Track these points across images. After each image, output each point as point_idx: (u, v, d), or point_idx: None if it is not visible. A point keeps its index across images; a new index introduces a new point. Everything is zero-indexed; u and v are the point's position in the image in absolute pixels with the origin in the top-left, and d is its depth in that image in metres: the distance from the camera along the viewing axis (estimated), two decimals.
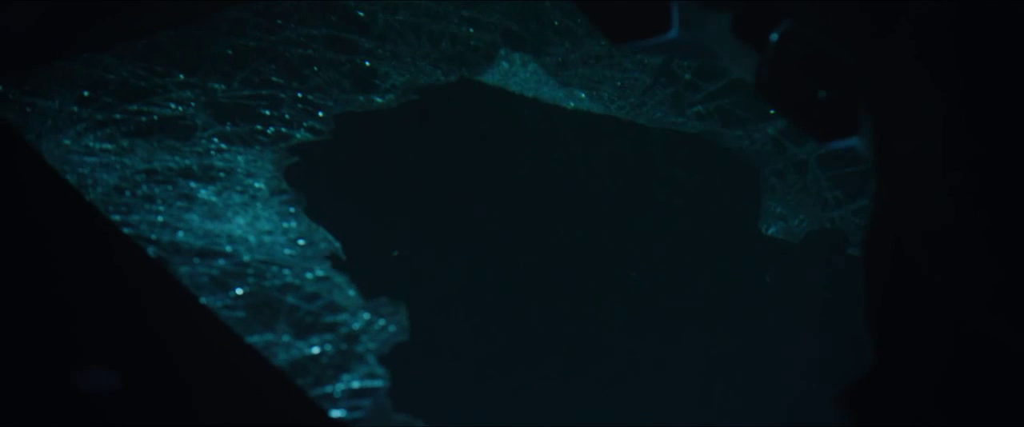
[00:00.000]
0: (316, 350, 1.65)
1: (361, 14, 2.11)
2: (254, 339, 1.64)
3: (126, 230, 1.76)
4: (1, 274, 1.62)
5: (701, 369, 1.71)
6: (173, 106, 1.96)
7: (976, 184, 1.25)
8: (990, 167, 1.25)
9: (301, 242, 1.80)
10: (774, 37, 1.47)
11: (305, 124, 1.97)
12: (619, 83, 2.06)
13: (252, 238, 1.80)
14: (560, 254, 1.85)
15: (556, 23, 2.13)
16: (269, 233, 1.81)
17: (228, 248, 1.78)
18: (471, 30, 2.10)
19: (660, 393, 1.66)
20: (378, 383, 1.62)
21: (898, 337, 1.34)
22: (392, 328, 1.69)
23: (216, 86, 1.99)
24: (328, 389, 1.61)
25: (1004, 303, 1.23)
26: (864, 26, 1.34)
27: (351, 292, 1.73)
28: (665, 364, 1.71)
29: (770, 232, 1.90)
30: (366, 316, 1.70)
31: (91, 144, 1.88)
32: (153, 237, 1.77)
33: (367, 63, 2.06)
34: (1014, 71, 1.24)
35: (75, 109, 1.91)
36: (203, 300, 1.68)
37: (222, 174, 1.88)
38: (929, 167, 1.25)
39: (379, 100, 2.03)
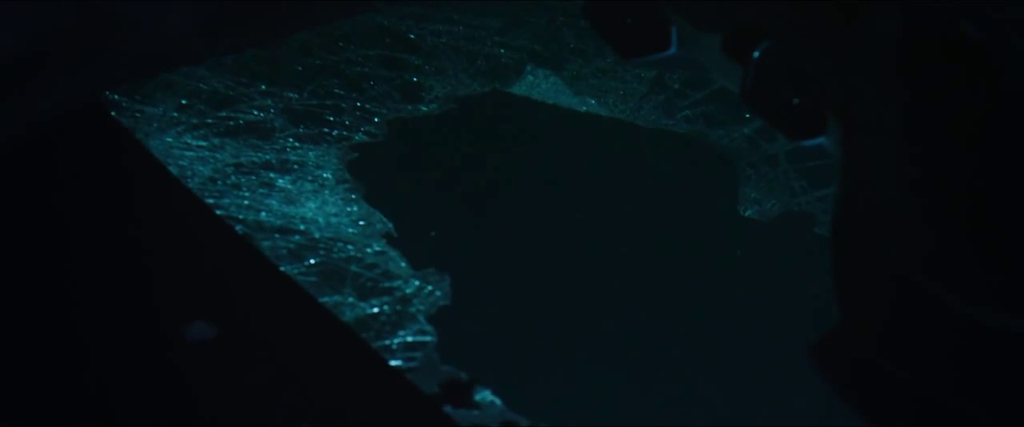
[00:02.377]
0: (375, 310, 1.66)
1: (412, 36, 2.12)
2: (325, 299, 1.65)
3: (219, 212, 1.78)
4: (117, 247, 1.64)
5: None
6: (255, 112, 1.97)
7: (918, 174, 1.28)
8: (927, 162, 1.28)
9: (361, 223, 1.81)
10: (756, 55, 1.49)
11: (363, 128, 1.98)
12: (621, 92, 2.06)
13: (321, 219, 1.81)
14: (574, 230, 1.85)
15: (571, 45, 2.13)
16: (335, 215, 1.82)
17: (302, 227, 1.78)
18: (502, 50, 2.11)
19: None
20: (428, 338, 1.63)
21: (856, 298, 1.36)
22: (438, 293, 1.70)
23: (290, 95, 2.00)
24: (387, 342, 1.61)
25: (939, 268, 1.26)
26: (833, 45, 1.36)
27: (403, 264, 1.74)
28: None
29: (747, 214, 1.90)
30: (416, 283, 1.71)
31: (189, 142, 1.89)
32: (240, 217, 1.78)
33: (414, 78, 2.06)
34: (947, 84, 1.26)
35: (175, 114, 1.93)
36: (283, 268, 1.69)
37: (296, 167, 1.89)
38: (884, 160, 1.28)
39: (424, 109, 2.03)
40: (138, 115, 1.91)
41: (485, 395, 1.56)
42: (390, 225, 1.81)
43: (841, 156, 1.33)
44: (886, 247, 1.26)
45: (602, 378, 1.62)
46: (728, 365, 1.65)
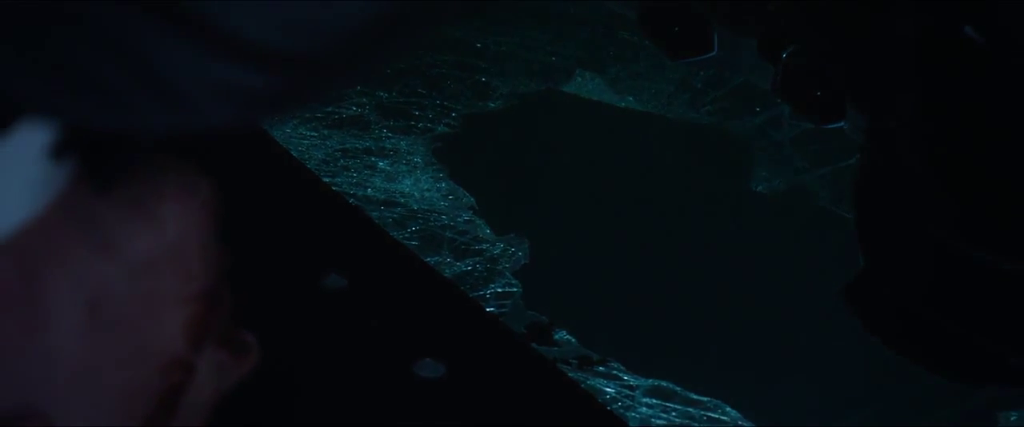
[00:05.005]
0: (469, 267, 1.70)
1: (479, 45, 2.14)
2: (429, 259, 1.69)
3: (334, 188, 1.81)
4: (255, 214, 1.66)
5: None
6: (354, 108, 2.00)
7: (932, 150, 1.31)
8: (941, 141, 1.31)
9: (450, 197, 1.84)
10: (784, 56, 1.52)
11: (443, 121, 2.01)
12: (654, 91, 2.09)
13: (417, 194, 1.84)
14: (622, 201, 1.88)
15: (611, 53, 2.16)
16: (427, 191, 1.86)
17: (401, 200, 1.82)
18: (553, 58, 2.13)
19: None
20: (514, 290, 1.66)
21: (880, 248, 1.38)
22: (520, 254, 1.74)
23: (382, 94, 2.03)
24: (481, 292, 1.65)
25: (945, 220, 1.29)
26: (855, 45, 1.39)
27: (487, 230, 1.78)
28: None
29: (758, 189, 1.94)
30: (501, 246, 1.74)
31: (304, 132, 1.93)
32: (351, 192, 1.82)
33: (483, 79, 2.09)
34: (954, 80, 1.29)
35: None
36: (393, 233, 1.73)
37: (391, 152, 1.93)
38: (904, 138, 1.31)
39: (492, 105, 2.06)
40: None
41: (562, 334, 1.59)
42: (472, 199, 1.84)
43: (864, 135, 1.37)
44: (910, 208, 1.28)
45: (658, 321, 1.65)
46: (753, 305, 1.69)
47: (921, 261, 1.32)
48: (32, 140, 0.72)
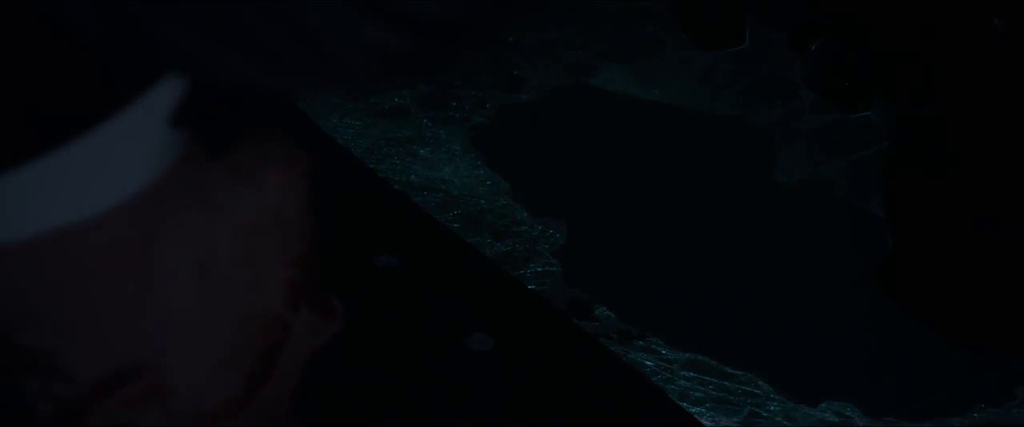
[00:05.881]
0: (509, 248, 1.70)
1: (511, 40, 2.14)
2: (471, 240, 1.70)
3: (379, 174, 1.82)
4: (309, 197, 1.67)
5: None
6: (396, 99, 2.00)
7: (966, 135, 1.31)
8: (973, 129, 1.31)
9: (488, 183, 1.84)
10: (813, 48, 1.53)
11: (479, 112, 2.01)
12: (677, 84, 2.08)
13: (456, 180, 1.84)
14: (651, 184, 1.88)
15: (637, 48, 2.15)
16: (466, 177, 1.85)
17: (442, 186, 1.83)
18: (581, 52, 2.14)
19: None
20: (554, 269, 1.67)
21: (911, 229, 1.40)
22: (557, 235, 1.74)
23: (424, 87, 2.03)
24: (522, 271, 1.66)
25: (983, 203, 1.30)
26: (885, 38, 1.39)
27: (525, 214, 1.78)
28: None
29: (781, 179, 1.93)
30: (539, 227, 1.75)
31: (350, 122, 1.93)
32: (395, 178, 1.82)
33: (516, 72, 2.09)
34: (984, 81, 1.30)
35: (336, 101, 1.96)
36: (435, 216, 1.74)
37: (431, 141, 1.93)
38: (940, 124, 1.32)
39: (524, 96, 2.06)
40: (309, 101, 1.94)
41: (602, 310, 1.60)
42: (508, 184, 1.84)
43: (902, 118, 1.37)
44: (940, 193, 1.29)
45: (692, 297, 1.65)
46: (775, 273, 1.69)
47: (954, 241, 1.33)
48: (158, 106, 0.73)
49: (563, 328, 1.54)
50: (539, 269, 1.66)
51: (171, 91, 0.70)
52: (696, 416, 1.44)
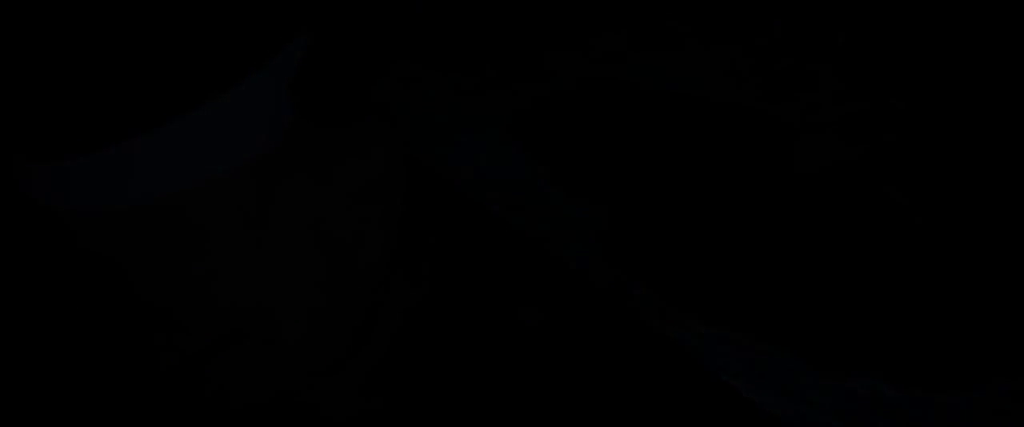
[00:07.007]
0: (550, 228, 1.69)
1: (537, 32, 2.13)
2: (515, 221, 1.68)
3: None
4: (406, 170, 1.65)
5: None
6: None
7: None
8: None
9: (527, 167, 1.83)
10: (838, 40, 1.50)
11: (513, 102, 2.00)
12: (699, 76, 2.07)
13: (496, 164, 1.83)
14: (680, 168, 1.86)
15: (660, 40, 2.14)
16: (506, 162, 1.84)
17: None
18: (607, 45, 2.12)
19: None
20: (594, 249, 1.65)
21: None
22: (597, 217, 1.72)
23: (457, 77, 2.02)
24: (565, 251, 1.64)
25: None
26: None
27: (562, 197, 1.76)
28: None
29: (801, 171, 1.91)
30: (579, 211, 1.73)
31: None
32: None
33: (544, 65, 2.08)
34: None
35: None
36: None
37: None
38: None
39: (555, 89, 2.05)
40: None
41: (641, 288, 1.58)
42: (548, 169, 1.82)
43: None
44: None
45: (724, 279, 1.63)
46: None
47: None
48: (284, 71, 0.71)
49: (607, 303, 1.52)
50: (581, 247, 1.64)
51: (293, 58, 0.69)
52: (736, 388, 1.42)
